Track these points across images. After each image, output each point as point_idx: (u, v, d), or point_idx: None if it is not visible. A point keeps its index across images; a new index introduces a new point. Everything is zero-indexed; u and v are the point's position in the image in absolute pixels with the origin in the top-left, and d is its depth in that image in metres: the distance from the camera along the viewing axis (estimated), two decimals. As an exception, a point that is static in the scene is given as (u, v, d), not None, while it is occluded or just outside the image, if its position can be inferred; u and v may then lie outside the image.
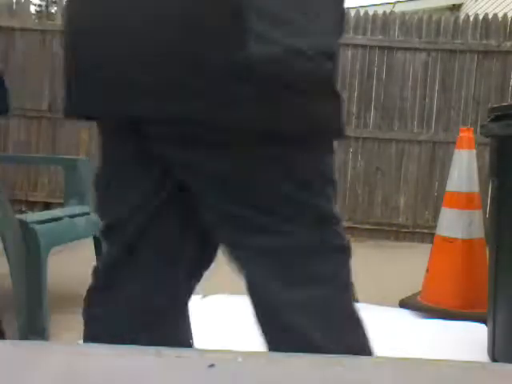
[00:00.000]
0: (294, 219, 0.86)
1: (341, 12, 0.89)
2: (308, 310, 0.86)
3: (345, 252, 0.91)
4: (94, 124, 1.16)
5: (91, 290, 0.98)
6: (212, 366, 0.47)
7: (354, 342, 0.89)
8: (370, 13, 5.07)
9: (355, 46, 5.01)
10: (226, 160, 0.83)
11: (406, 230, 5.01)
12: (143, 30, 0.80)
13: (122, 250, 0.95)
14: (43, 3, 14.34)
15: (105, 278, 0.97)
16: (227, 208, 0.86)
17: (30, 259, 1.94)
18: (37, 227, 1.99)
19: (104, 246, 0.99)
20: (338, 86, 0.87)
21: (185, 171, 0.88)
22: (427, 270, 2.77)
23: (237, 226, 0.87)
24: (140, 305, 0.95)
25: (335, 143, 0.90)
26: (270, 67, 0.77)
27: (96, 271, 0.99)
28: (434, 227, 2.94)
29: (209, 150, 0.83)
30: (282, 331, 0.87)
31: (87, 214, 2.49)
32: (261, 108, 0.78)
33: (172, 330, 1.00)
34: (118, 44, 0.81)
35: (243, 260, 0.90)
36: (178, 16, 0.78)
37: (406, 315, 2.63)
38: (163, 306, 0.97)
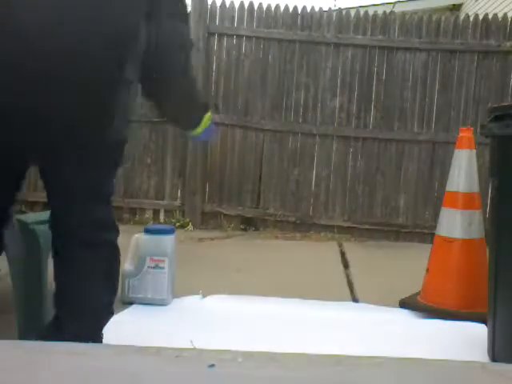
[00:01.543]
0: None
1: None
2: None
3: None
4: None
5: None
6: (212, 366, 0.47)
7: None
8: (370, 13, 5.07)
9: (355, 46, 5.00)
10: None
11: (406, 230, 5.01)
12: None
13: None
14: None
15: None
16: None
17: (30, 259, 1.94)
18: (37, 227, 1.99)
19: None
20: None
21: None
22: (427, 270, 2.77)
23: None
24: None
25: None
26: None
27: None
28: (434, 227, 2.94)
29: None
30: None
31: (87, 214, 2.49)
32: None
33: None
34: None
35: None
36: None
37: (406, 315, 2.63)
38: None
